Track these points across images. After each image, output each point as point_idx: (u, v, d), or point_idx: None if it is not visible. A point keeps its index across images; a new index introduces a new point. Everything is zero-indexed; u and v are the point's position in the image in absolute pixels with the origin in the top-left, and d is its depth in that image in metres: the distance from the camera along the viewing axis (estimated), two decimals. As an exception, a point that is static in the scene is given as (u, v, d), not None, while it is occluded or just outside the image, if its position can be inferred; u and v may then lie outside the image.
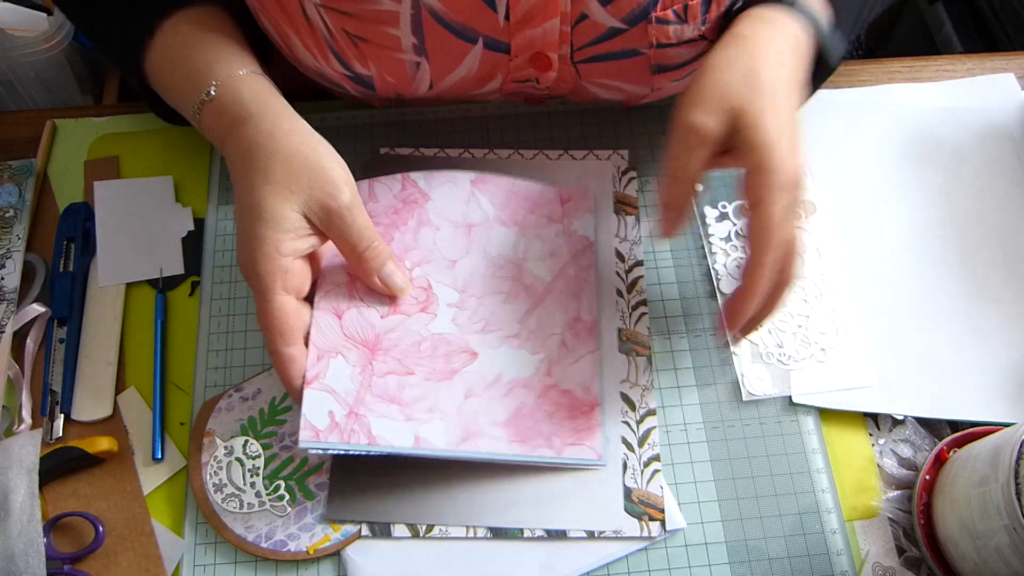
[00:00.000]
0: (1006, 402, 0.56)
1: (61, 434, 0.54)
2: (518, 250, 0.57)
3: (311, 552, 0.50)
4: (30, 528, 0.49)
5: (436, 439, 0.50)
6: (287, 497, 0.52)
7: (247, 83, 0.51)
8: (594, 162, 0.63)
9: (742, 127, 0.47)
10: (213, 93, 0.51)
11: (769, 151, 0.46)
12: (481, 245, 0.57)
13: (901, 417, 0.55)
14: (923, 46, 1.16)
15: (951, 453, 0.53)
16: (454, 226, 0.57)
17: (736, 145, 0.48)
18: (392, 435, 0.50)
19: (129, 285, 0.59)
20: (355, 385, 0.51)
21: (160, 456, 0.53)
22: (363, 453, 0.50)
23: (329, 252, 0.54)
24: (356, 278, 0.53)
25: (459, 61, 0.54)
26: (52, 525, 0.51)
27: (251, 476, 0.52)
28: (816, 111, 0.67)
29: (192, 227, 0.61)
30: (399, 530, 0.51)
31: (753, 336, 0.57)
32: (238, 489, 0.52)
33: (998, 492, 0.45)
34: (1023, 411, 0.55)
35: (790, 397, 0.56)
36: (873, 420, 0.56)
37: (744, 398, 0.56)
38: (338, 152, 0.51)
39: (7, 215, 0.61)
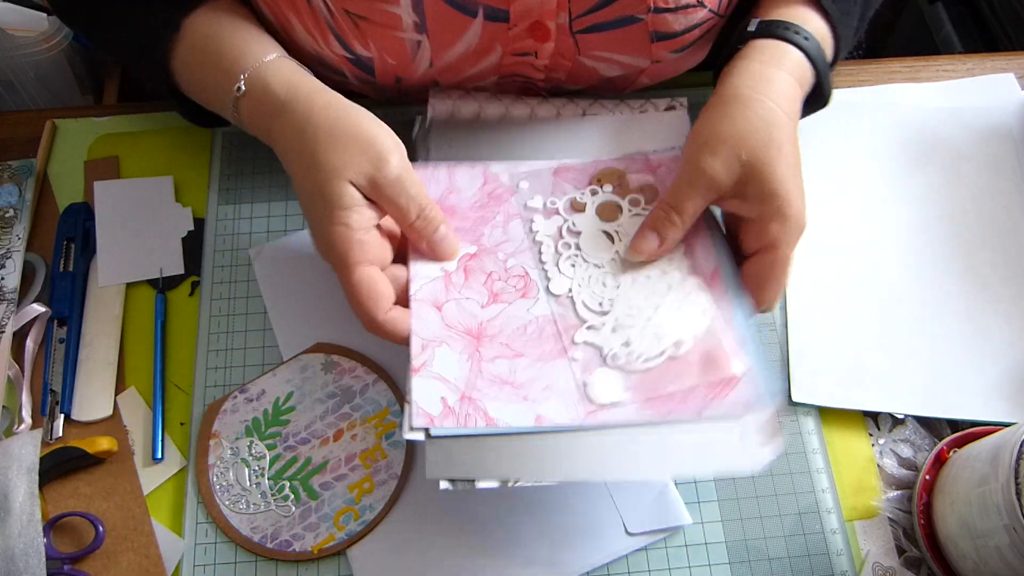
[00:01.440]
0: (1006, 402, 0.56)
1: (61, 434, 0.54)
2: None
3: (316, 552, 0.50)
4: (30, 528, 0.49)
5: (558, 416, 0.47)
6: (292, 497, 0.52)
7: (273, 70, 0.51)
8: (654, 116, 0.60)
9: (758, 178, 0.49)
10: (243, 88, 0.51)
11: (787, 202, 0.49)
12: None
13: (901, 417, 0.55)
14: (923, 46, 1.16)
15: (951, 453, 0.53)
16: (543, 215, 0.56)
17: (748, 193, 0.50)
18: (510, 416, 0.47)
19: (129, 285, 0.59)
20: (465, 371, 0.49)
21: (160, 456, 0.53)
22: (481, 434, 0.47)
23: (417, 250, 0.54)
24: (448, 272, 0.53)
25: (459, 36, 0.54)
26: (52, 525, 0.51)
27: (256, 477, 0.52)
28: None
29: (192, 227, 0.61)
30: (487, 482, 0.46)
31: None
32: (244, 490, 0.52)
33: (998, 492, 0.45)
34: (1023, 411, 0.55)
35: (790, 397, 0.56)
36: (873, 420, 0.56)
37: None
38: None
39: (7, 215, 0.61)
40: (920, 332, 0.58)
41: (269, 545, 0.50)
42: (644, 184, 0.56)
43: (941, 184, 0.64)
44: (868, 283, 0.60)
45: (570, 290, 0.52)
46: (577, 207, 0.55)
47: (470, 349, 0.50)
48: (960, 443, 0.53)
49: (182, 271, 0.59)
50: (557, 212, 0.55)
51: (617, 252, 0.53)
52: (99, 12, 0.57)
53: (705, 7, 0.54)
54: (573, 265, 0.53)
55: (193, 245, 0.60)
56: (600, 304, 0.52)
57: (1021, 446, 0.45)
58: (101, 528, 0.51)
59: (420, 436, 0.46)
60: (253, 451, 0.53)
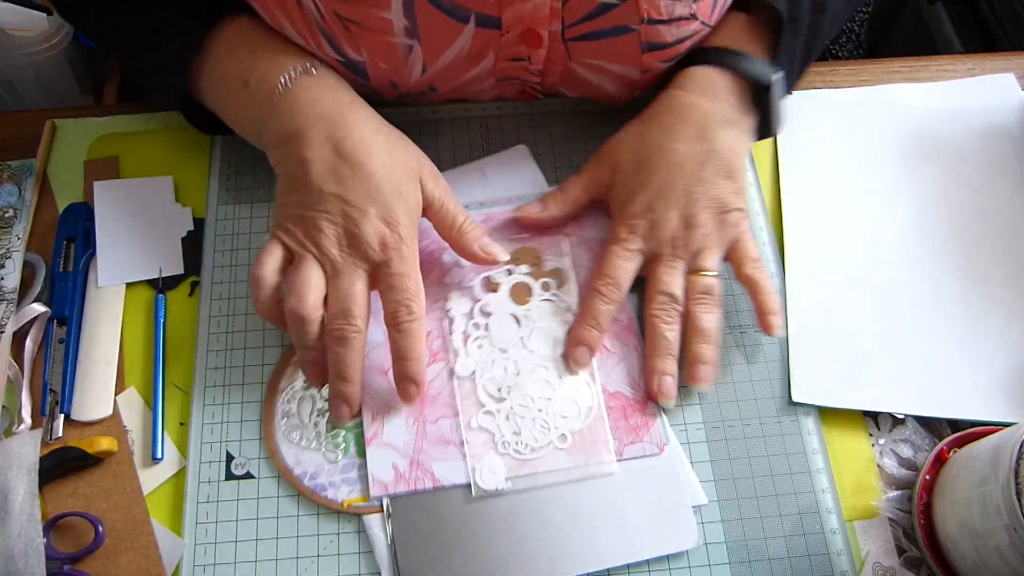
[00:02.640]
0: (1006, 402, 0.56)
1: (61, 434, 0.54)
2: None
3: (345, 506, 0.51)
4: (30, 528, 0.49)
5: (492, 477, 0.52)
6: (343, 446, 0.53)
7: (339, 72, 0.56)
8: None
9: (619, 175, 0.58)
10: (315, 71, 0.54)
11: (626, 198, 0.57)
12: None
13: (901, 417, 0.55)
14: (923, 46, 1.16)
15: (951, 453, 0.53)
16: (474, 269, 0.59)
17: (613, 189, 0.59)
18: (453, 474, 0.52)
19: (129, 285, 0.59)
20: (412, 436, 0.53)
21: (160, 456, 0.53)
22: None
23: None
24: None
25: (451, 42, 0.54)
26: (52, 525, 0.51)
27: (316, 416, 0.54)
28: (816, 111, 0.67)
29: (192, 227, 0.61)
30: None
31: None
32: (301, 422, 0.54)
33: (998, 492, 0.45)
34: (1023, 411, 0.55)
35: (790, 397, 0.56)
36: (873, 420, 0.56)
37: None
38: None
39: (7, 215, 0.61)
40: (920, 332, 0.58)
41: (306, 483, 0.52)
42: (556, 268, 0.59)
43: (941, 184, 0.64)
44: (868, 283, 0.60)
45: (473, 372, 0.55)
46: (491, 287, 0.58)
47: (416, 412, 0.54)
48: (960, 443, 0.53)
49: (182, 271, 0.59)
50: (471, 291, 0.58)
51: (521, 338, 0.56)
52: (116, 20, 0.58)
53: (698, 19, 0.54)
54: (480, 347, 0.56)
55: (193, 245, 0.60)
56: (499, 390, 0.55)
57: (1021, 446, 0.45)
58: (101, 528, 0.51)
59: (381, 498, 0.52)
60: (323, 391, 0.54)
